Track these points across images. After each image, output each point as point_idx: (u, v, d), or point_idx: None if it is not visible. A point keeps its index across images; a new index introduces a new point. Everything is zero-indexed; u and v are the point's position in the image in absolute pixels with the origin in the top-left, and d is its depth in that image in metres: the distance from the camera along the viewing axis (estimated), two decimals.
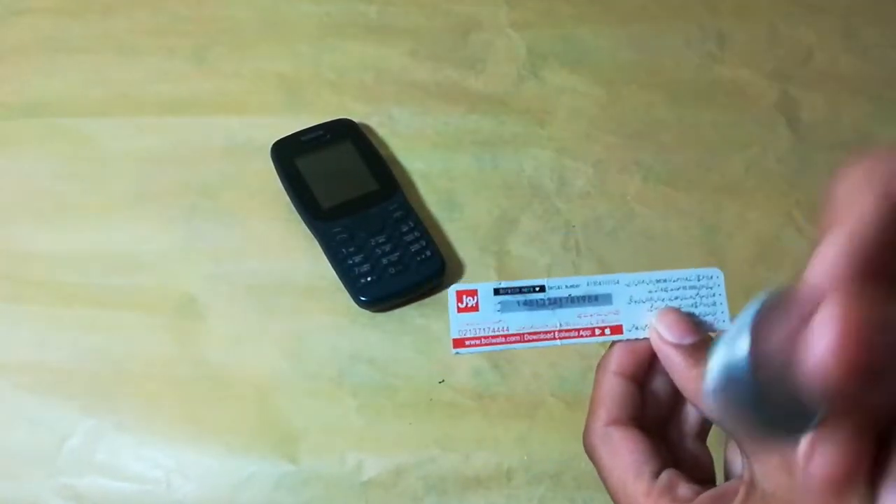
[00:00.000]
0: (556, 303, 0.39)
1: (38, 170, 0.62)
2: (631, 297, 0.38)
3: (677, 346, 0.34)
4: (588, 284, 0.39)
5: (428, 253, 0.57)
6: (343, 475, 0.51)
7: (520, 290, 0.39)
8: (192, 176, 0.61)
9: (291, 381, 0.54)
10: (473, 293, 0.38)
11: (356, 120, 0.63)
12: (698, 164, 0.64)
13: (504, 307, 0.39)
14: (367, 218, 0.58)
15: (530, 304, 0.39)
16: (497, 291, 0.39)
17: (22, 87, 0.65)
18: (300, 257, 0.58)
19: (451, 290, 0.38)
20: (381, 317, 0.56)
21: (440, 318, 0.56)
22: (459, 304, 0.38)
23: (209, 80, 0.66)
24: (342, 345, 0.55)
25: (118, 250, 0.58)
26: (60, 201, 0.60)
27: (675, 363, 0.34)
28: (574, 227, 0.60)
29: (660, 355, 0.35)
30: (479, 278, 0.58)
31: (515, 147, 0.64)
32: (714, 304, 0.38)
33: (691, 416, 0.37)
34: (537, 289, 0.39)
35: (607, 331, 0.38)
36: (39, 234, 0.59)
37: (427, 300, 0.57)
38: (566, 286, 0.39)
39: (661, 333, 0.35)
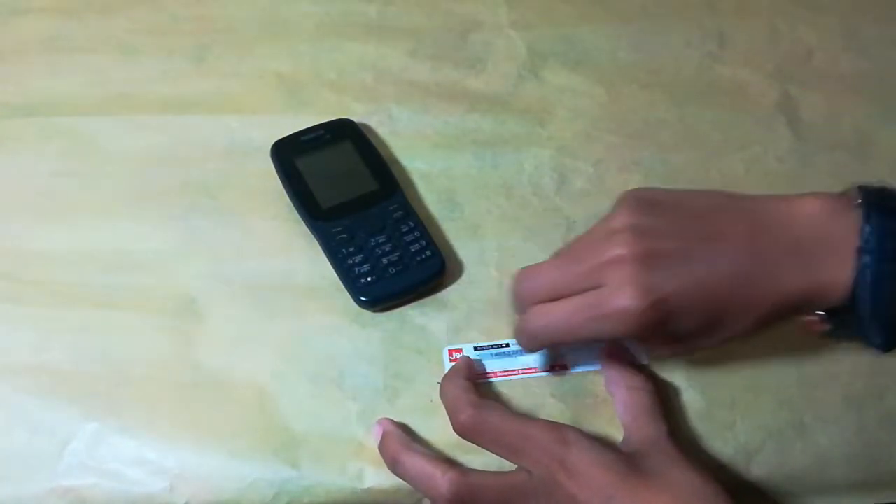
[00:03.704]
0: (518, 353, 0.54)
1: (38, 169, 0.62)
2: (572, 347, 0.54)
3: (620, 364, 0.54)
4: None
5: (428, 253, 0.57)
6: (344, 483, 0.51)
7: (491, 347, 0.55)
8: (192, 175, 0.61)
9: (292, 383, 0.54)
10: (460, 350, 0.55)
11: (356, 119, 0.63)
12: (698, 164, 0.64)
13: (482, 357, 0.55)
14: (366, 218, 0.58)
15: (500, 355, 0.55)
16: (476, 349, 0.55)
17: (22, 87, 0.65)
18: (300, 257, 0.58)
19: (445, 350, 0.55)
20: (381, 317, 0.56)
21: (440, 317, 0.56)
22: (451, 357, 0.54)
23: (209, 80, 0.66)
24: (342, 345, 0.55)
25: (117, 250, 0.58)
26: (60, 201, 0.60)
27: (613, 365, 0.54)
28: (575, 222, 0.60)
29: (605, 362, 0.54)
30: (478, 278, 0.58)
31: (516, 147, 0.64)
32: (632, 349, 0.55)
33: None
34: (504, 345, 0.55)
35: (557, 368, 0.54)
36: (38, 233, 0.59)
37: (427, 300, 0.57)
38: None
39: (612, 350, 0.54)
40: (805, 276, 0.46)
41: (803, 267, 0.46)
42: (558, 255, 0.50)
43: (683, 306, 0.45)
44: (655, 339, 0.48)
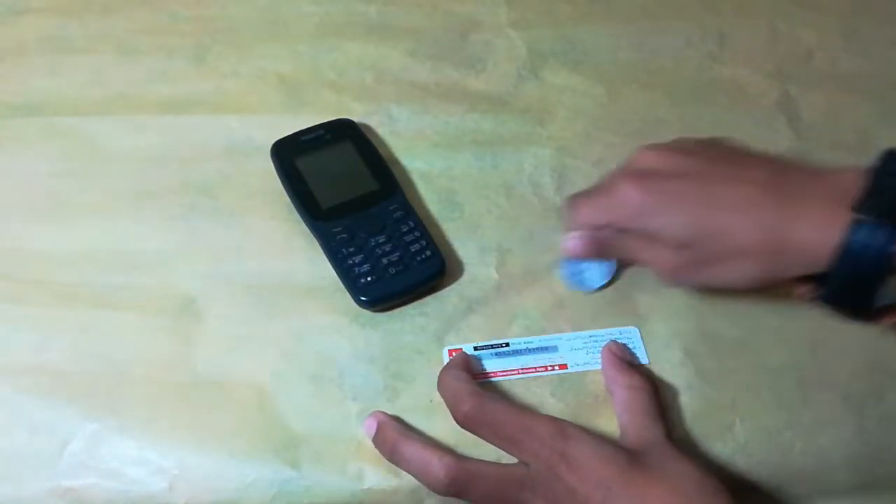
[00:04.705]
0: (518, 353, 0.55)
1: (38, 169, 0.62)
2: (571, 346, 0.55)
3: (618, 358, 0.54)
4: (540, 340, 0.55)
5: (428, 253, 0.57)
6: (344, 483, 0.51)
7: (491, 346, 0.55)
8: (192, 175, 0.61)
9: (292, 383, 0.54)
10: (460, 350, 0.54)
11: (356, 119, 0.63)
12: None
13: (482, 356, 0.54)
14: (366, 218, 0.58)
15: (500, 354, 0.55)
16: (476, 348, 0.55)
17: (22, 87, 0.65)
18: (300, 257, 0.58)
19: (445, 350, 0.55)
20: (381, 317, 0.56)
21: (440, 317, 0.56)
22: (450, 357, 0.54)
23: (209, 80, 0.66)
24: (342, 345, 0.55)
25: (117, 250, 0.58)
26: (59, 200, 0.60)
27: (612, 365, 0.54)
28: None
29: (605, 361, 0.54)
30: (479, 278, 0.58)
31: (516, 146, 0.64)
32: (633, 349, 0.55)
33: None
34: (504, 345, 0.55)
35: (556, 368, 0.54)
36: (38, 233, 0.59)
37: (427, 300, 0.57)
38: (524, 342, 0.55)
39: (612, 349, 0.54)
40: (813, 232, 0.47)
41: (815, 222, 0.47)
42: None
43: (675, 204, 0.50)
44: (651, 243, 0.51)
